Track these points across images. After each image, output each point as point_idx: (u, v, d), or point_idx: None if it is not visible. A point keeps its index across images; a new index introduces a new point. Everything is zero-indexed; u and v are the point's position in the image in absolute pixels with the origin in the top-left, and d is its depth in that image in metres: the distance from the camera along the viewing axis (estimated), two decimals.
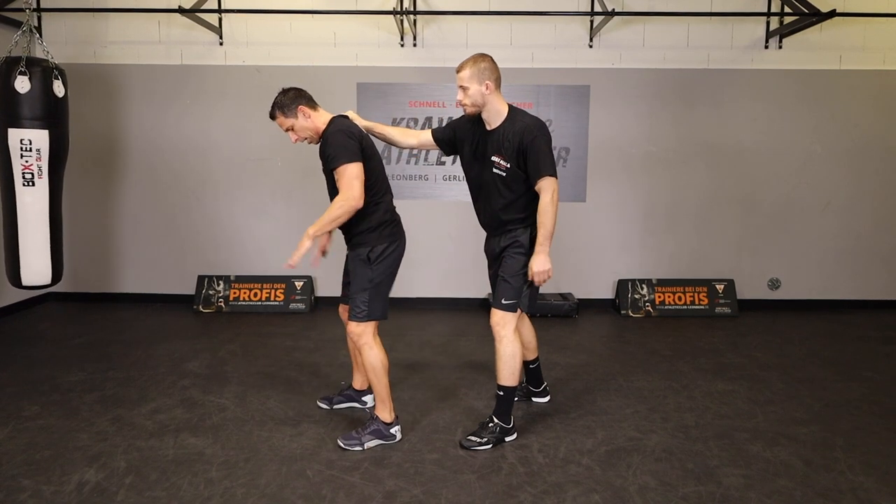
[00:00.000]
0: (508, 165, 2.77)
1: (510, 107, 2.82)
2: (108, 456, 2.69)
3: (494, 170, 2.82)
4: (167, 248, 5.43)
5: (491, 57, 2.78)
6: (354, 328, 2.77)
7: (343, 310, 3.08)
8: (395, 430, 2.84)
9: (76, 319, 4.95)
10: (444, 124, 5.20)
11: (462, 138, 2.97)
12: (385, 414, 2.83)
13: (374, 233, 2.78)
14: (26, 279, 3.96)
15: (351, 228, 2.79)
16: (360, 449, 2.76)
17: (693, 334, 4.69)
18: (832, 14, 4.60)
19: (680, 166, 5.33)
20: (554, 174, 2.73)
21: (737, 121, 5.27)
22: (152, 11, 4.98)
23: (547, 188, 2.71)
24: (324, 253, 2.95)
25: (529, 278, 2.77)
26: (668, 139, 5.30)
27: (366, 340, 2.76)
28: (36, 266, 3.96)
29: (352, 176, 2.61)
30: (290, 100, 2.77)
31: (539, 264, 2.74)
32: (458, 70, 2.76)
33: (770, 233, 5.39)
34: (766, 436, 2.93)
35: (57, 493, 2.40)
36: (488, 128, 2.83)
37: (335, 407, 3.21)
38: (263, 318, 5.05)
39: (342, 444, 2.77)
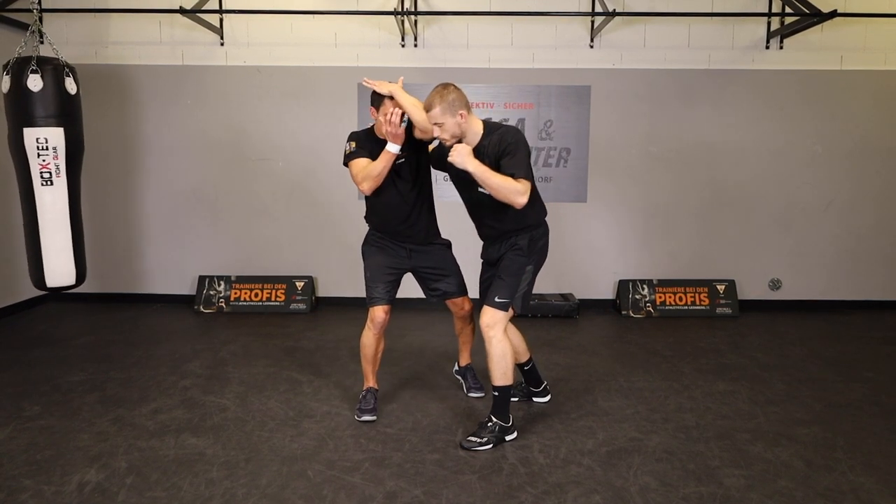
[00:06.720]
0: None
1: (484, 123, 2.82)
2: (108, 456, 2.69)
3: (481, 189, 2.81)
4: (168, 248, 5.44)
5: (453, 85, 2.77)
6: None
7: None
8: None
9: (77, 320, 4.95)
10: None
11: (445, 158, 2.98)
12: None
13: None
14: (51, 280, 3.93)
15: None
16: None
17: (694, 335, 4.68)
18: (833, 14, 4.60)
19: (680, 166, 5.33)
20: (527, 177, 2.68)
21: (737, 121, 5.27)
22: (153, 12, 4.98)
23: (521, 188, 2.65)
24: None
25: (450, 160, 2.69)
26: (669, 139, 5.30)
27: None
28: (60, 267, 3.92)
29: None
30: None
31: (459, 155, 2.64)
32: (427, 109, 2.75)
33: (771, 233, 5.39)
34: (767, 436, 2.93)
35: (58, 493, 2.40)
36: None
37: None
38: (264, 319, 5.05)
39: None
